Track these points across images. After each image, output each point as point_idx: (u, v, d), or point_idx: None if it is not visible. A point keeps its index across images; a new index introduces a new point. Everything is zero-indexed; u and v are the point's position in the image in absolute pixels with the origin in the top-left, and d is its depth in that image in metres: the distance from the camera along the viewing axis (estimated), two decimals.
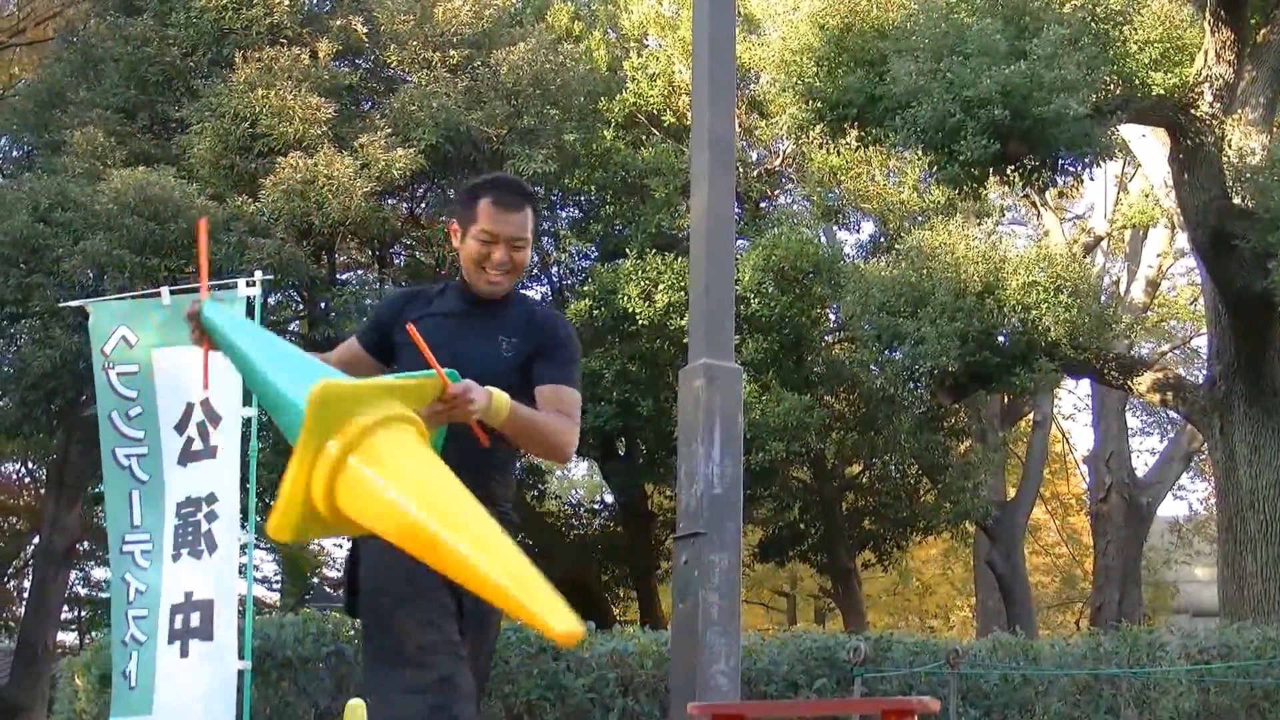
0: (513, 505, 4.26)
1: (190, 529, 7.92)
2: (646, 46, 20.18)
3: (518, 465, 4.16)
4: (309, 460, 2.89)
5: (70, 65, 18.17)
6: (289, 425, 3.14)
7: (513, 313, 4.26)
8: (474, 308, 4.25)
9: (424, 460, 2.98)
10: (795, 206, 20.42)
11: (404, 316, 4.17)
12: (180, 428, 8.10)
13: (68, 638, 29.72)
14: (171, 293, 8.41)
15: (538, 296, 22.88)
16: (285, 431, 3.19)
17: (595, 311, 17.46)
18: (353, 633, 10.38)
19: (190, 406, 8.11)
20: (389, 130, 16.27)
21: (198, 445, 8.08)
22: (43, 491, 24.89)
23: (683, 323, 12.72)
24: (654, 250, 18.37)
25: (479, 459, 3.91)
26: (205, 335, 3.76)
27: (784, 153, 20.63)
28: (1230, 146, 15.57)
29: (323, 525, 3.01)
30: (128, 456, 8.18)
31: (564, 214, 21.72)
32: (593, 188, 19.62)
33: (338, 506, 2.91)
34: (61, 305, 11.40)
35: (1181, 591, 33.60)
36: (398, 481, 2.86)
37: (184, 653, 7.78)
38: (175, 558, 7.94)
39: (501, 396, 3.82)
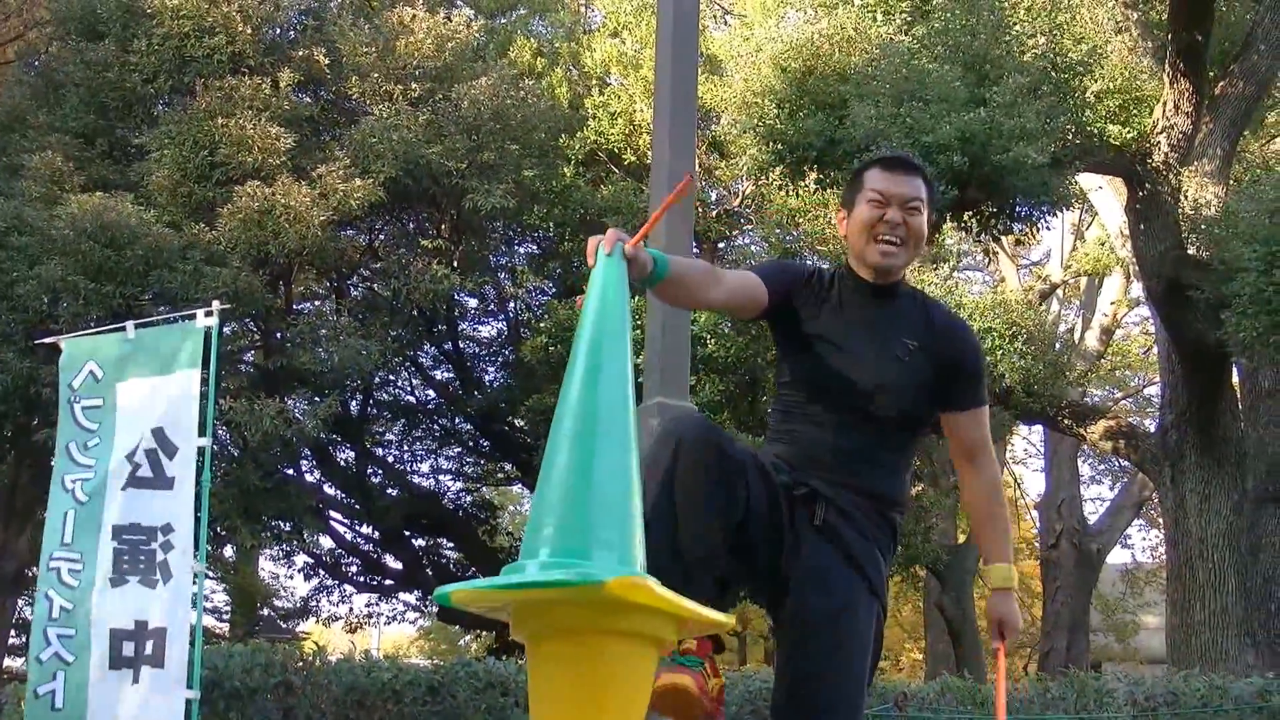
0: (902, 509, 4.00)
1: (142, 557, 7.91)
2: (608, 85, 20.17)
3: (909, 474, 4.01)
4: (546, 598, 2.68)
5: (30, 89, 18.06)
6: (561, 435, 2.87)
7: (906, 307, 3.92)
8: (866, 299, 3.90)
9: (594, 693, 2.74)
10: (753, 248, 20.39)
11: (799, 297, 3.91)
12: (131, 455, 8.09)
13: (15, 664, 29.38)
14: (136, 326, 8.46)
15: (494, 333, 22.90)
16: (556, 429, 2.89)
17: (551, 349, 17.38)
18: (301, 664, 10.32)
19: (143, 435, 8.10)
20: (348, 161, 16.22)
21: (145, 472, 8.07)
22: None
23: (639, 361, 12.70)
24: None
25: (868, 456, 3.84)
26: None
27: (743, 193, 20.64)
28: (1186, 197, 15.74)
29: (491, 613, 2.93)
30: (73, 481, 8.21)
31: (522, 250, 21.68)
32: (551, 224, 19.56)
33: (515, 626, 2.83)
34: (37, 342, 11.31)
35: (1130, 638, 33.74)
36: (541, 693, 2.80)
37: (135, 679, 7.76)
38: (116, 582, 7.92)
39: (1003, 575, 4.07)
